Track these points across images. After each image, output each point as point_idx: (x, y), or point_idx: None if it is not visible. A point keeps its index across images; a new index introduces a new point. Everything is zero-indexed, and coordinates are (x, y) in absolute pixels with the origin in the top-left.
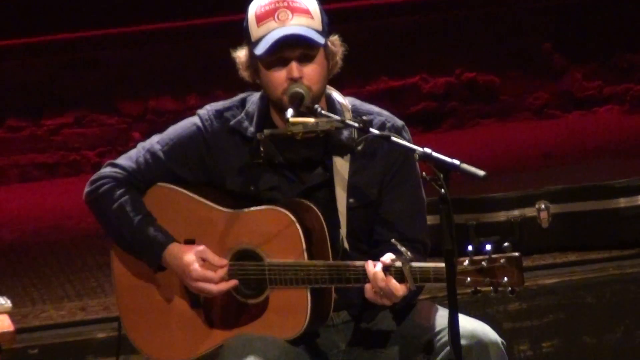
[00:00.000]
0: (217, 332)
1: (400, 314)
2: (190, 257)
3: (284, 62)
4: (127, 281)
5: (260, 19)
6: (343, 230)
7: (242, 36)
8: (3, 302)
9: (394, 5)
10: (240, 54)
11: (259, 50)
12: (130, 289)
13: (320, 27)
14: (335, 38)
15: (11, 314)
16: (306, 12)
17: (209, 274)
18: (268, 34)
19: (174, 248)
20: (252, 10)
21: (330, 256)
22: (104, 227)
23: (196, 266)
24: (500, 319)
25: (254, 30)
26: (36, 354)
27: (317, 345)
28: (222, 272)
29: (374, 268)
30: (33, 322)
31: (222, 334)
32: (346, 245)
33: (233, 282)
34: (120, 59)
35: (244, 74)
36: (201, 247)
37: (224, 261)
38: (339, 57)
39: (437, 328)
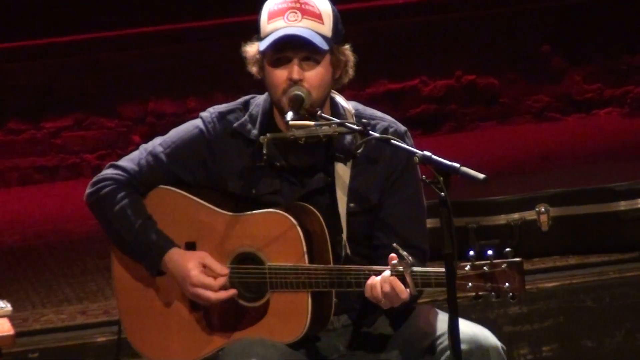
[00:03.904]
0: (217, 336)
1: (399, 318)
2: (191, 263)
3: (287, 62)
4: (127, 284)
5: (271, 16)
6: (344, 235)
7: (255, 31)
8: (3, 305)
9: (393, 8)
10: (250, 49)
11: (263, 46)
12: (131, 291)
13: (328, 34)
14: (346, 47)
15: (11, 317)
16: (317, 16)
17: (209, 280)
18: (274, 32)
19: (174, 253)
20: (267, 7)
21: (331, 260)
22: (105, 229)
23: (196, 272)
24: (501, 323)
25: (264, 26)
26: (36, 357)
27: (318, 349)
28: (222, 280)
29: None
30: (33, 326)
31: (222, 338)
32: (347, 249)
33: (232, 292)
34: (120, 61)
35: (252, 68)
36: (202, 253)
37: (225, 269)
38: (349, 67)
39: (438, 333)
